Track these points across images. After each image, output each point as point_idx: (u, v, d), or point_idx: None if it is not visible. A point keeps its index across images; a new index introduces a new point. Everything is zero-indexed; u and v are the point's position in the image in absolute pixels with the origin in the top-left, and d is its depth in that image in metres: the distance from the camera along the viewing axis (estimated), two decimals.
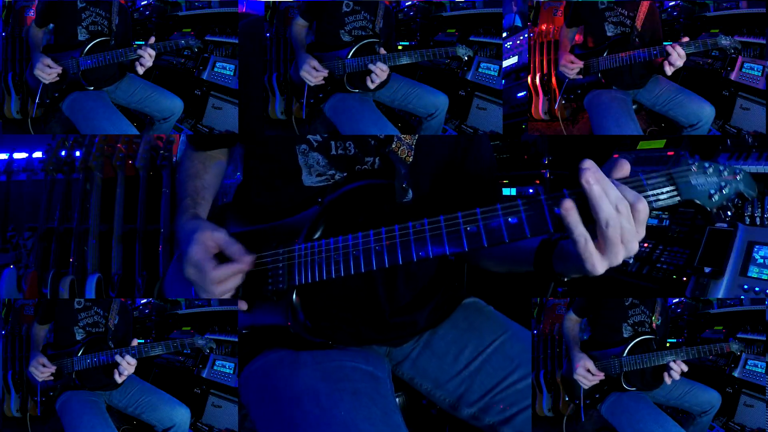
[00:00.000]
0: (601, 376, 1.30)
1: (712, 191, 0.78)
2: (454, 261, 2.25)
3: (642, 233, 0.76)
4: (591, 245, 0.75)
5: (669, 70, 1.27)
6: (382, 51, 1.25)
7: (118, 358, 1.26)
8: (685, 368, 1.27)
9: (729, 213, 0.79)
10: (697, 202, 0.78)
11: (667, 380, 1.27)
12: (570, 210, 0.76)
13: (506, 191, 2.45)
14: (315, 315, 1.05)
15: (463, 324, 1.24)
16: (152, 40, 1.28)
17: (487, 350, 1.17)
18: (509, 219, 0.80)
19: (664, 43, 1.27)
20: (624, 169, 0.79)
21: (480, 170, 1.23)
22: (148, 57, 1.27)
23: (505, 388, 1.12)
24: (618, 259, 0.76)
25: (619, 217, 0.73)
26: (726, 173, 0.79)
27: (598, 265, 0.77)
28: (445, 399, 1.19)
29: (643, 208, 0.74)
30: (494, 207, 0.82)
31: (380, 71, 1.23)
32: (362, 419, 0.93)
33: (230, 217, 1.15)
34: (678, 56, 1.25)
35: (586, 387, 1.31)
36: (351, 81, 1.28)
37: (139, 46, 1.28)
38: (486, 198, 1.22)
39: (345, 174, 1.11)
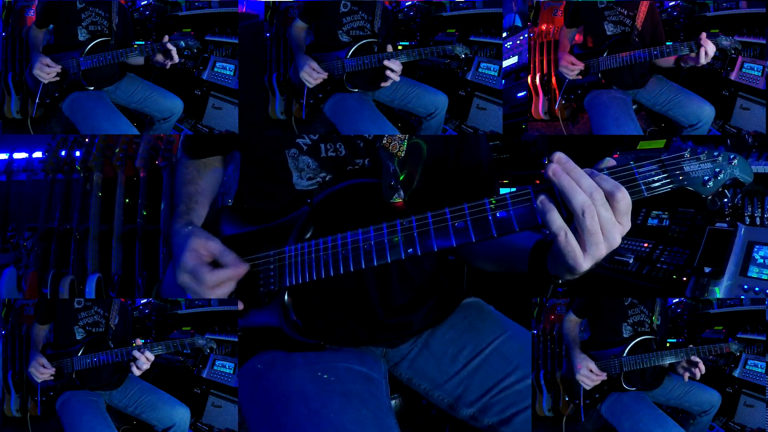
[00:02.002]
0: (603, 376, 1.30)
1: (707, 178, 0.76)
2: (454, 261, 2.25)
3: (626, 225, 0.74)
4: (572, 239, 0.73)
5: (704, 60, 1.26)
6: (390, 48, 1.25)
7: (136, 353, 1.26)
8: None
9: (725, 200, 0.77)
10: (691, 189, 0.76)
11: (685, 377, 1.28)
12: (546, 203, 0.74)
13: (506, 191, 2.44)
14: (308, 316, 1.04)
15: (462, 324, 1.23)
16: (166, 38, 1.27)
17: (486, 350, 1.16)
18: (497, 213, 0.79)
19: (698, 39, 1.26)
20: (609, 162, 0.77)
21: (476, 169, 1.22)
22: (175, 50, 1.27)
23: (504, 388, 1.11)
24: (600, 252, 0.73)
25: (594, 206, 0.71)
26: (720, 159, 0.76)
27: (580, 259, 0.74)
28: (443, 399, 1.18)
29: (623, 197, 0.72)
30: (482, 202, 0.80)
31: (396, 66, 1.23)
32: (351, 421, 0.93)
33: (224, 220, 1.15)
34: (710, 48, 1.25)
35: (588, 388, 1.31)
36: (351, 81, 1.28)
37: (161, 44, 1.28)
38: (483, 196, 1.22)
39: (335, 175, 1.11)
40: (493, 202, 0.80)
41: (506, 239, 0.90)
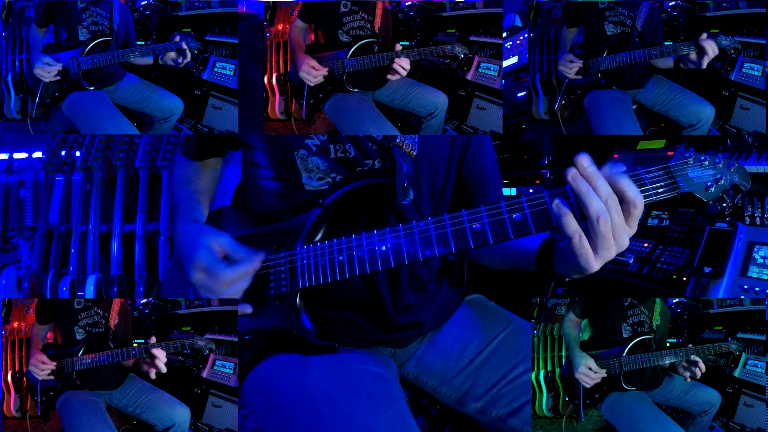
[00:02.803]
0: (602, 373, 1.30)
1: (709, 183, 0.80)
2: (454, 261, 2.25)
3: (634, 228, 0.77)
4: (585, 242, 0.77)
5: (706, 61, 1.26)
6: (398, 47, 1.25)
7: (155, 350, 1.25)
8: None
9: (725, 205, 0.82)
10: (696, 194, 0.80)
11: (686, 378, 1.28)
12: (561, 207, 0.77)
13: (506, 191, 2.45)
14: (320, 318, 1.04)
15: (467, 320, 1.24)
16: (177, 37, 1.28)
17: (492, 344, 1.17)
18: (514, 216, 0.81)
19: (699, 39, 1.26)
20: (619, 168, 0.80)
21: (481, 168, 1.23)
22: (188, 49, 1.28)
23: (512, 380, 1.13)
24: (610, 254, 0.77)
25: (609, 213, 0.74)
26: (721, 165, 0.81)
27: (592, 261, 0.78)
28: (451, 395, 1.19)
29: (640, 204, 0.75)
30: (498, 204, 0.82)
31: (406, 63, 1.25)
32: (381, 423, 0.92)
33: (228, 220, 1.15)
34: (712, 50, 1.25)
35: (588, 386, 1.31)
36: (351, 80, 1.28)
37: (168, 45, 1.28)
38: (488, 196, 1.23)
39: (346, 175, 1.11)
40: (509, 204, 0.82)
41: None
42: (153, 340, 1.25)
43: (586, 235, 0.77)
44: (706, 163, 0.81)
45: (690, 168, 0.80)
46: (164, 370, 1.25)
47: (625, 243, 0.77)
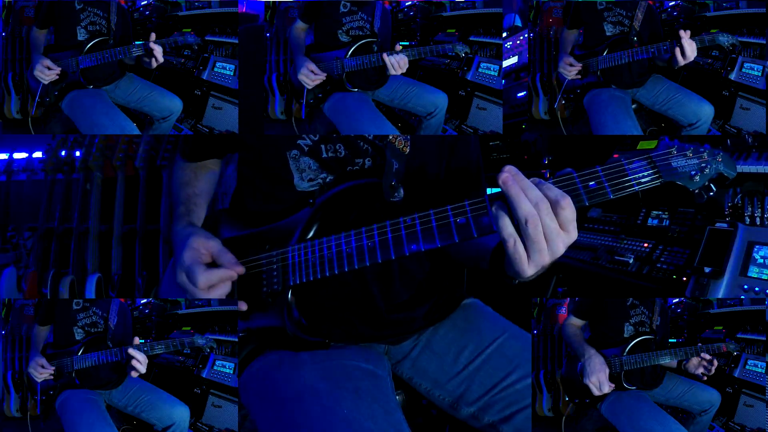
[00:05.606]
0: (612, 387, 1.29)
1: (693, 172, 0.80)
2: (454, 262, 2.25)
3: (572, 233, 0.76)
4: (520, 246, 0.76)
5: (681, 60, 1.26)
6: (399, 47, 1.26)
7: (132, 350, 1.25)
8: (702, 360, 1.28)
9: (711, 193, 0.81)
10: (679, 183, 0.80)
11: (703, 378, 1.28)
12: (498, 210, 0.78)
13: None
14: (311, 315, 1.05)
15: (463, 324, 1.24)
16: (153, 37, 1.28)
17: (487, 350, 1.17)
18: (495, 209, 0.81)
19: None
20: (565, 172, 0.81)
21: (467, 167, 1.24)
22: (159, 50, 1.28)
23: (505, 387, 1.12)
24: (544, 259, 0.77)
25: (539, 216, 0.74)
26: (706, 155, 0.81)
27: (525, 266, 0.78)
28: (444, 399, 1.19)
29: (567, 205, 0.74)
30: (482, 199, 0.83)
31: (404, 63, 1.25)
32: (365, 418, 0.93)
33: (224, 222, 1.16)
34: (689, 46, 1.24)
35: (597, 394, 1.29)
36: (351, 80, 1.28)
37: (145, 42, 1.28)
38: (472, 194, 1.23)
39: (337, 175, 1.13)
40: (493, 198, 0.82)
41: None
42: (153, 37, 1.25)
43: (520, 240, 0.77)
44: (690, 153, 0.80)
45: (674, 158, 0.80)
46: (161, 59, 1.26)
47: (560, 249, 0.76)
